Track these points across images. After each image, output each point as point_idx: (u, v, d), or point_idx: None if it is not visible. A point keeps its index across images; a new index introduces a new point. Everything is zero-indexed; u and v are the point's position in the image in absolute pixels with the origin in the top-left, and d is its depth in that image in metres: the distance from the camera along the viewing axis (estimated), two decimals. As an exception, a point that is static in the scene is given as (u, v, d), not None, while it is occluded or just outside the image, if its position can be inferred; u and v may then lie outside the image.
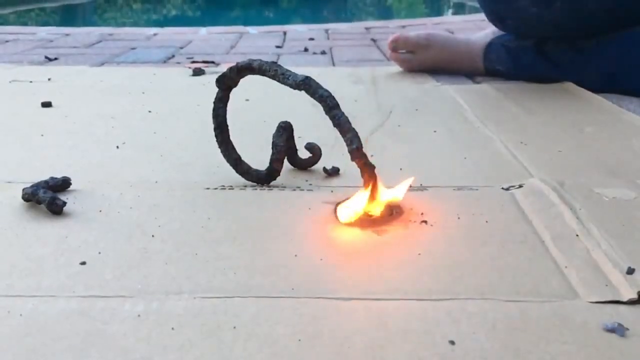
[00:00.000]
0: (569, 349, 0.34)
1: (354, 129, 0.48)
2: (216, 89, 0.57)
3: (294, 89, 0.50)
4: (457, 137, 0.74)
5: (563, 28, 0.98)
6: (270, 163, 0.57)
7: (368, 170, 0.48)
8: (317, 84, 0.50)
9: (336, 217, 0.50)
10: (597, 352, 0.33)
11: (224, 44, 1.66)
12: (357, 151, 0.48)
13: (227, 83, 0.56)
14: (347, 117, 0.49)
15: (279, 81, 0.51)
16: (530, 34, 1.04)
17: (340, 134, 0.49)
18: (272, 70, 0.51)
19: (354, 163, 0.49)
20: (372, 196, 0.49)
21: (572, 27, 0.97)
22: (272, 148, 0.57)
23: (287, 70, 0.51)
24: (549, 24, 0.99)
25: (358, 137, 0.48)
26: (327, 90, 0.49)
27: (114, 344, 0.34)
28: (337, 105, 0.49)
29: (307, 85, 0.50)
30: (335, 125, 0.49)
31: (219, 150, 0.58)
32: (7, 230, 0.48)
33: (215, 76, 0.57)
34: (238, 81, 0.56)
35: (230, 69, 0.55)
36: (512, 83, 1.04)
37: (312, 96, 0.49)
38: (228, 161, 0.58)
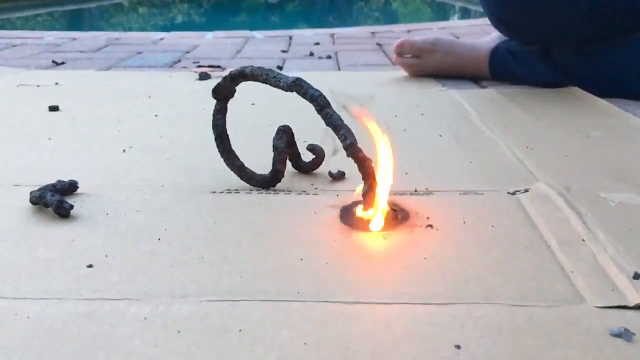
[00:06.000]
0: (575, 353, 0.34)
1: (346, 125, 0.49)
2: (221, 93, 0.57)
3: (286, 90, 0.51)
4: (462, 141, 0.74)
5: (568, 34, 0.98)
6: (273, 165, 0.57)
7: (365, 164, 0.48)
8: (308, 84, 0.50)
9: (346, 220, 0.50)
10: (603, 357, 0.33)
11: (229, 48, 1.67)
12: (352, 146, 0.48)
13: (223, 93, 0.57)
14: (338, 115, 0.49)
15: (271, 84, 0.52)
16: (534, 40, 1.04)
17: (334, 131, 0.49)
18: (264, 75, 0.52)
19: (358, 170, 0.49)
20: (372, 190, 0.49)
21: (577, 33, 0.97)
22: (274, 151, 0.57)
23: (279, 74, 0.52)
24: (554, 30, 0.99)
25: (352, 133, 0.48)
26: (317, 90, 0.50)
27: (121, 346, 0.34)
28: (328, 104, 0.50)
29: (298, 86, 0.50)
30: (327, 123, 0.49)
31: (222, 159, 0.59)
32: (15, 233, 0.48)
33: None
34: (234, 90, 0.57)
35: (224, 78, 0.56)
36: (518, 87, 1.04)
37: (303, 96, 0.50)
38: (232, 169, 0.58)
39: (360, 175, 0.49)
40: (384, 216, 0.49)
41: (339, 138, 0.49)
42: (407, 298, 0.39)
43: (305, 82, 0.51)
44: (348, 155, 0.48)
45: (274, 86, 0.52)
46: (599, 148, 0.70)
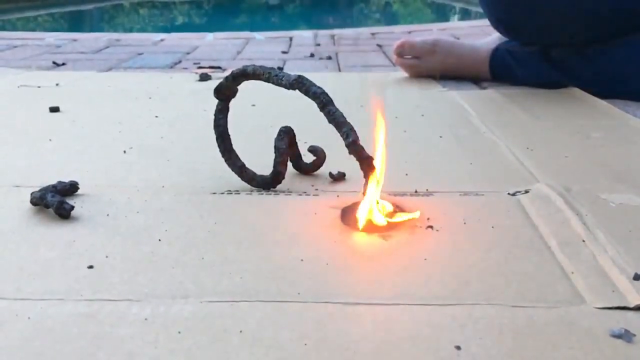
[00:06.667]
0: (575, 354, 0.34)
1: (349, 123, 0.49)
2: (222, 94, 0.57)
3: (288, 88, 0.51)
4: (463, 142, 0.74)
5: (568, 35, 0.98)
6: (274, 167, 0.57)
7: (366, 162, 0.48)
8: (310, 81, 0.50)
9: (345, 221, 0.50)
10: (603, 358, 0.33)
11: (230, 49, 1.67)
12: (353, 144, 0.48)
13: (225, 92, 0.57)
14: (341, 112, 0.49)
15: (273, 83, 0.52)
16: (534, 41, 1.04)
17: (336, 129, 0.49)
18: (266, 74, 0.52)
19: (359, 167, 0.49)
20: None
21: (578, 34, 0.97)
22: (275, 152, 0.58)
23: (280, 72, 0.52)
24: (554, 31, 0.99)
25: (354, 131, 0.48)
26: (320, 88, 0.50)
27: (121, 347, 0.34)
28: (330, 102, 0.50)
29: (300, 83, 0.50)
30: (330, 121, 0.49)
31: (223, 159, 0.59)
32: (15, 234, 0.49)
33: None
34: (236, 89, 0.57)
35: (226, 77, 0.56)
36: (518, 88, 1.04)
37: (305, 94, 0.50)
38: (233, 170, 0.59)
39: (361, 175, 0.49)
40: (384, 213, 0.49)
41: (341, 135, 0.49)
42: (407, 299, 0.39)
43: (307, 79, 0.51)
44: (350, 153, 0.48)
45: (276, 84, 0.52)
46: (599, 149, 0.70)
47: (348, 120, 0.49)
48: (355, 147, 0.48)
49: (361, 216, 0.49)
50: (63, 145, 0.73)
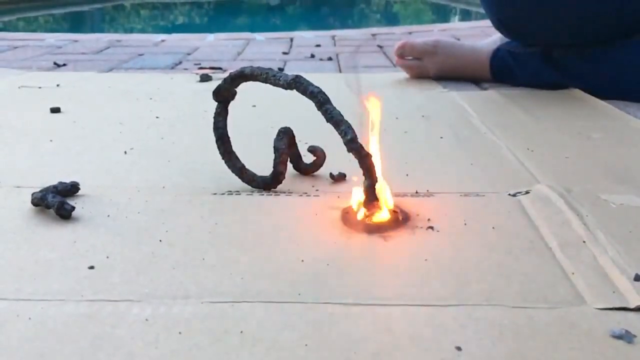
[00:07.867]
0: (576, 355, 0.34)
1: (347, 121, 0.49)
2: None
3: (286, 88, 0.51)
4: (463, 143, 0.74)
5: (569, 36, 0.98)
6: (274, 167, 0.58)
7: (366, 160, 0.48)
8: (308, 81, 0.51)
9: (345, 219, 0.50)
10: (604, 359, 0.33)
11: (231, 50, 1.67)
12: (352, 142, 0.48)
13: (223, 94, 0.57)
14: (339, 111, 0.49)
15: (271, 83, 0.52)
16: (535, 41, 1.04)
17: (334, 127, 0.49)
18: (264, 74, 0.53)
19: (359, 167, 0.49)
20: (372, 185, 0.49)
21: (579, 35, 0.97)
22: (274, 152, 0.58)
23: (278, 72, 0.53)
24: (555, 32, 0.99)
25: (352, 129, 0.49)
26: (317, 87, 0.50)
27: (122, 348, 0.34)
28: (328, 100, 0.50)
29: (297, 83, 0.50)
30: (328, 120, 0.49)
31: (223, 161, 0.59)
32: (16, 235, 0.49)
33: (223, 82, 0.57)
34: (234, 92, 0.57)
35: (225, 79, 0.56)
36: (519, 89, 1.04)
37: (303, 94, 0.50)
38: (233, 171, 0.59)
39: (361, 176, 0.49)
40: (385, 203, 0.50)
41: (339, 134, 0.49)
42: (408, 299, 0.39)
43: (304, 79, 0.51)
44: (349, 151, 0.48)
45: (274, 85, 0.52)
46: (599, 150, 0.70)
47: (348, 120, 0.49)
48: (353, 145, 0.48)
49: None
50: (64, 146, 0.73)
